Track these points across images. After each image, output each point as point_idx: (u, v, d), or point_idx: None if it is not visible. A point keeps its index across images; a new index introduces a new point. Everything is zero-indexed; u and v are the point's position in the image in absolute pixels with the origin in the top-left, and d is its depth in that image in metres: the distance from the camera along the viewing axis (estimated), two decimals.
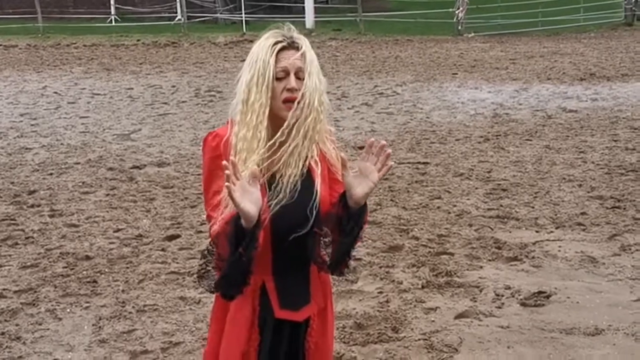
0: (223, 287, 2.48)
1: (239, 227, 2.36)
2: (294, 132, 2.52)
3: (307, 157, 2.56)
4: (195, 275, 2.58)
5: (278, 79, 2.51)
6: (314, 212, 2.55)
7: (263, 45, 2.53)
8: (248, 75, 2.53)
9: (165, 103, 13.44)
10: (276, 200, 2.50)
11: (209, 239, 2.49)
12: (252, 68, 2.52)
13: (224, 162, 2.32)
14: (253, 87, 2.51)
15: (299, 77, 2.52)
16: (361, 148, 9.40)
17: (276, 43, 2.52)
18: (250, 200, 2.32)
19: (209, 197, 2.58)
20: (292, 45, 2.53)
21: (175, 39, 23.40)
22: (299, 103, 2.50)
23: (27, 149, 10.09)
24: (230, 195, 2.28)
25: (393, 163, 2.50)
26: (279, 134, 2.51)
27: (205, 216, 2.74)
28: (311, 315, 2.69)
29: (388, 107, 12.68)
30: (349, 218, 2.53)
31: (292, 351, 2.70)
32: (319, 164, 2.61)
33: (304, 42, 2.56)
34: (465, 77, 15.48)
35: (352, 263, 2.66)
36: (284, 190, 2.51)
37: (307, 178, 2.58)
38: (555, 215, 6.99)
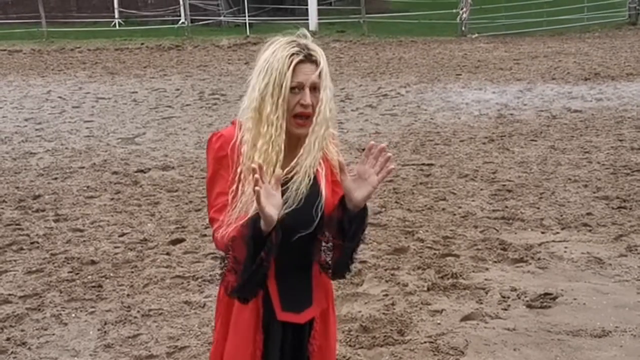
0: (241, 292, 2.48)
1: (257, 230, 2.37)
2: (307, 144, 2.51)
3: (316, 164, 2.57)
4: (218, 276, 2.59)
5: (292, 92, 2.49)
6: (319, 213, 2.56)
7: (280, 56, 2.48)
8: (262, 83, 2.49)
9: (170, 106, 13.45)
10: (285, 206, 2.51)
11: (220, 243, 2.48)
12: (267, 77, 2.48)
13: (253, 166, 2.34)
14: (268, 98, 2.48)
15: (314, 90, 2.50)
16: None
17: (293, 55, 2.48)
18: (272, 204, 2.35)
19: (213, 198, 2.57)
20: (309, 59, 2.50)
21: (179, 42, 23.42)
22: (314, 118, 2.49)
23: (31, 153, 10.10)
24: (257, 199, 2.30)
25: (394, 166, 2.49)
26: (301, 151, 2.51)
27: (207, 219, 2.74)
28: (314, 318, 2.69)
29: (392, 108, 12.67)
30: (351, 221, 2.53)
31: (296, 354, 2.69)
32: (323, 165, 2.61)
33: (321, 56, 2.52)
34: (469, 78, 15.46)
35: (357, 265, 2.67)
36: (293, 198, 2.52)
37: (313, 181, 2.58)
38: (561, 216, 6.96)
